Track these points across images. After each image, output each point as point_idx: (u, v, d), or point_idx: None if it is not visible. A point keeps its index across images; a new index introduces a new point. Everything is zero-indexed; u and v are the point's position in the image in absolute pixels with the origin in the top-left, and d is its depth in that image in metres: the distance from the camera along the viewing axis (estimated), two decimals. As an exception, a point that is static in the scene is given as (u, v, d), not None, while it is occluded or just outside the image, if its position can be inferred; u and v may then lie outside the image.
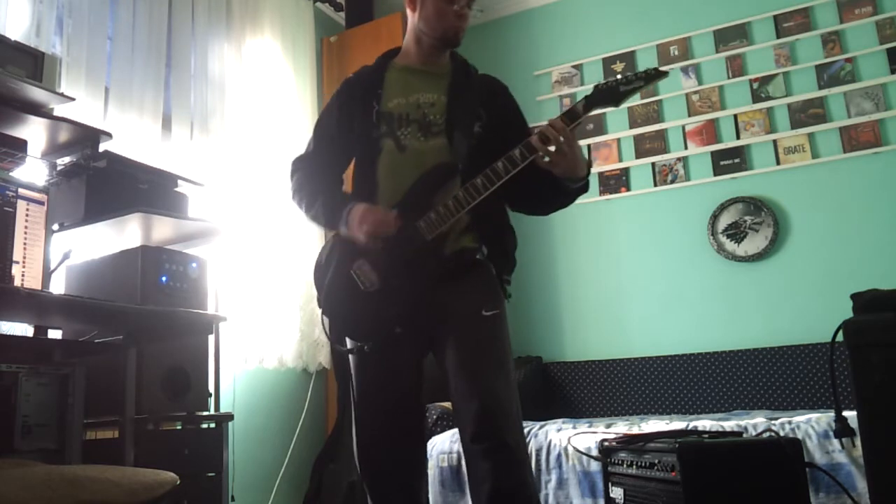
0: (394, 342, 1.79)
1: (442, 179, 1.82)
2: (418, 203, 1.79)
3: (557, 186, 1.83)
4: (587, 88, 4.14)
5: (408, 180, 1.83)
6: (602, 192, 4.03)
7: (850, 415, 1.71)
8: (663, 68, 1.80)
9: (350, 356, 1.88)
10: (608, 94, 1.78)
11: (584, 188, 1.87)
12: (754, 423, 2.62)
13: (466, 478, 1.91)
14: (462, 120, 1.87)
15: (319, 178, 1.95)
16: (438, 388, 1.91)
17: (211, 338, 2.49)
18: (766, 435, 2.38)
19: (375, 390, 1.85)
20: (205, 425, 2.37)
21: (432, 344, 1.86)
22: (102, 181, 2.24)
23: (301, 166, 2.02)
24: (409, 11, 1.97)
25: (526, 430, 2.97)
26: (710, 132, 3.84)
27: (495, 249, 1.89)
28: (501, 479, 1.68)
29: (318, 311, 1.92)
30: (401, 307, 1.78)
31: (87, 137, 2.25)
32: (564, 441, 2.83)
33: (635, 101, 3.99)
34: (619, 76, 1.80)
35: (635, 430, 2.77)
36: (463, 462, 1.85)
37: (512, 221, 1.98)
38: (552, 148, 1.71)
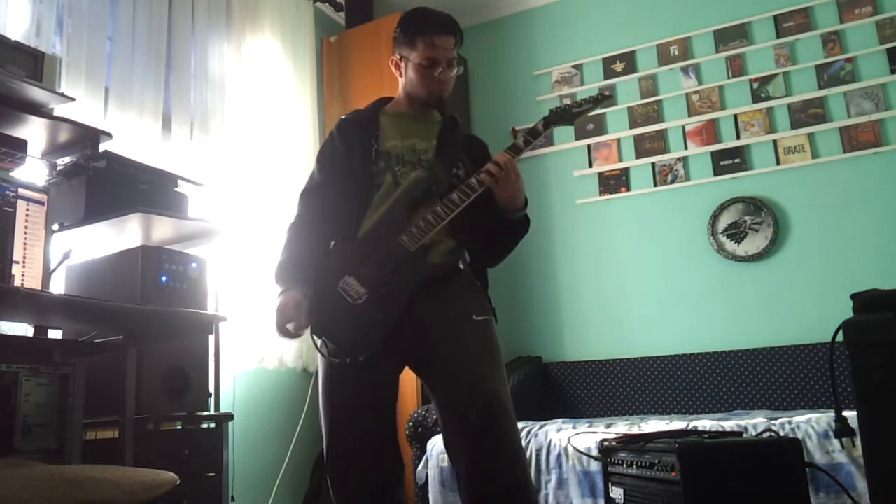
0: (379, 354, 1.81)
1: (420, 197, 1.90)
2: (398, 217, 1.88)
3: (498, 217, 1.89)
4: (587, 88, 4.16)
5: (392, 199, 1.92)
6: (602, 192, 4.03)
7: (850, 415, 1.71)
8: (607, 92, 2.05)
9: (325, 368, 1.89)
10: (563, 115, 1.97)
11: (524, 223, 1.95)
12: (754, 423, 2.61)
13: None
14: (446, 161, 1.99)
15: (308, 231, 1.98)
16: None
17: (211, 338, 2.49)
18: (766, 435, 2.38)
19: (355, 403, 1.85)
20: (205, 425, 2.37)
21: (415, 355, 1.88)
22: (102, 181, 2.24)
23: (304, 203, 2.04)
24: (396, 75, 2.06)
25: (526, 430, 2.97)
26: (710, 132, 3.84)
27: (476, 270, 1.98)
28: (502, 479, 1.68)
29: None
30: (389, 313, 1.80)
31: (86, 137, 2.25)
32: (564, 441, 2.83)
33: (635, 100, 4.01)
34: (569, 101, 2.03)
35: (635, 430, 2.77)
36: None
37: None
38: (499, 173, 1.83)
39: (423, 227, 1.83)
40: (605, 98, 2.00)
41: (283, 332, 1.86)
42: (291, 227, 2.01)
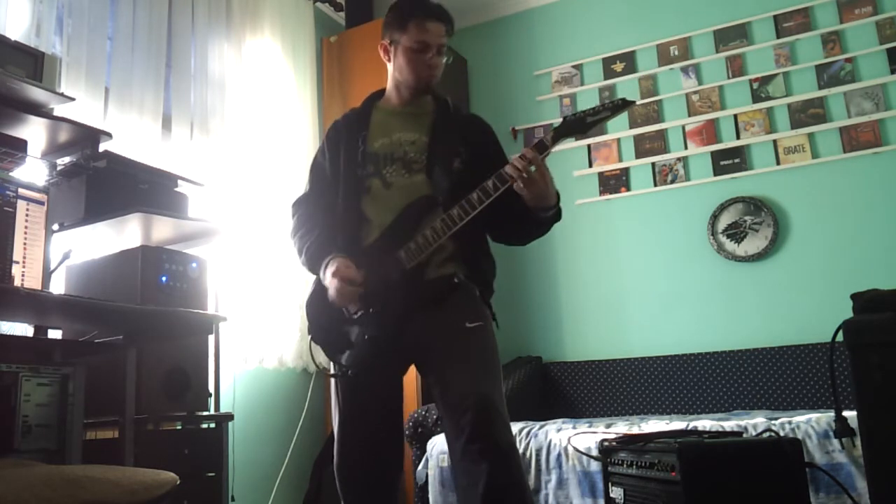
0: (376, 366, 1.86)
1: (424, 210, 1.90)
2: (402, 232, 1.88)
3: (529, 215, 1.89)
4: (587, 88, 4.16)
5: (394, 211, 1.91)
6: (602, 192, 4.03)
7: (850, 415, 1.71)
8: (630, 99, 1.84)
9: (333, 381, 1.94)
10: (575, 125, 1.85)
11: (556, 217, 1.93)
12: (754, 423, 2.61)
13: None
14: (442, 157, 1.95)
15: (313, 223, 2.03)
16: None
17: (211, 338, 2.49)
18: (766, 435, 2.38)
19: (359, 414, 1.92)
20: (205, 425, 2.37)
21: (416, 362, 1.93)
22: (102, 181, 2.24)
23: (299, 208, 2.10)
24: (385, 60, 2.06)
25: (526, 430, 2.97)
26: (710, 132, 3.84)
27: (476, 277, 1.96)
28: (497, 479, 1.69)
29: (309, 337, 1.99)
30: (382, 331, 1.84)
31: (86, 137, 2.25)
32: (564, 441, 2.83)
33: (635, 100, 4.01)
34: (587, 108, 1.86)
35: (635, 430, 2.77)
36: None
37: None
38: (524, 175, 1.78)
39: (421, 244, 1.84)
40: (626, 104, 1.83)
41: (348, 298, 1.85)
42: (296, 226, 2.06)
